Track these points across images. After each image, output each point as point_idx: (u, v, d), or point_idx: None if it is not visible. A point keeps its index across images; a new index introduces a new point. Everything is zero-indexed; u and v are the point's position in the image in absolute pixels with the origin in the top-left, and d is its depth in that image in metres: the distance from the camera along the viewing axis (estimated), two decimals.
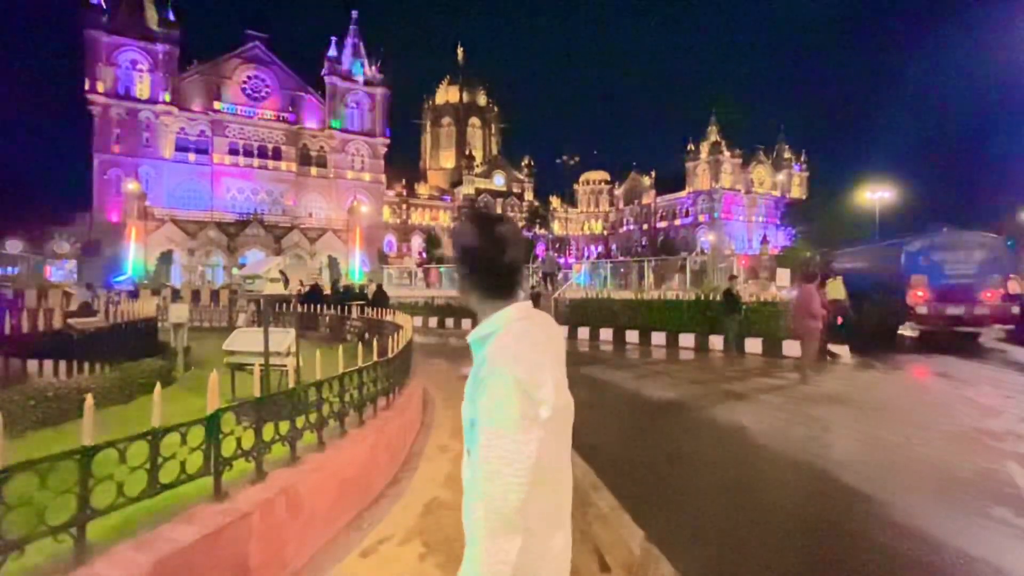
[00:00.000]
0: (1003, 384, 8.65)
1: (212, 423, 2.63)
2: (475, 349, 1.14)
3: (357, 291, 17.66)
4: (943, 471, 4.66)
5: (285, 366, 5.61)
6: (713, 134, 75.83)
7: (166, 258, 47.07)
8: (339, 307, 12.58)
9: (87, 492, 2.08)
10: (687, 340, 13.49)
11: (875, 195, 36.88)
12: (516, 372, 1.00)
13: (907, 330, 13.97)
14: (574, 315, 16.98)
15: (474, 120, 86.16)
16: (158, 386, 2.44)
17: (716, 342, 12.64)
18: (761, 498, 4.21)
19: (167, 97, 51.61)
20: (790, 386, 8.42)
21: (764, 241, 64.61)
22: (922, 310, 12.58)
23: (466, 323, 19.09)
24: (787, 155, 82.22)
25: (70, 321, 6.83)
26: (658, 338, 14.27)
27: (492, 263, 1.13)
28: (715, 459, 5.25)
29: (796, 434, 5.88)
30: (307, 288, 14.23)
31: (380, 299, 13.83)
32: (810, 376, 8.52)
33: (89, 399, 2.15)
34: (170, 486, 2.42)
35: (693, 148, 76.88)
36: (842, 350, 11.08)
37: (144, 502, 2.31)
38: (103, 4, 49.14)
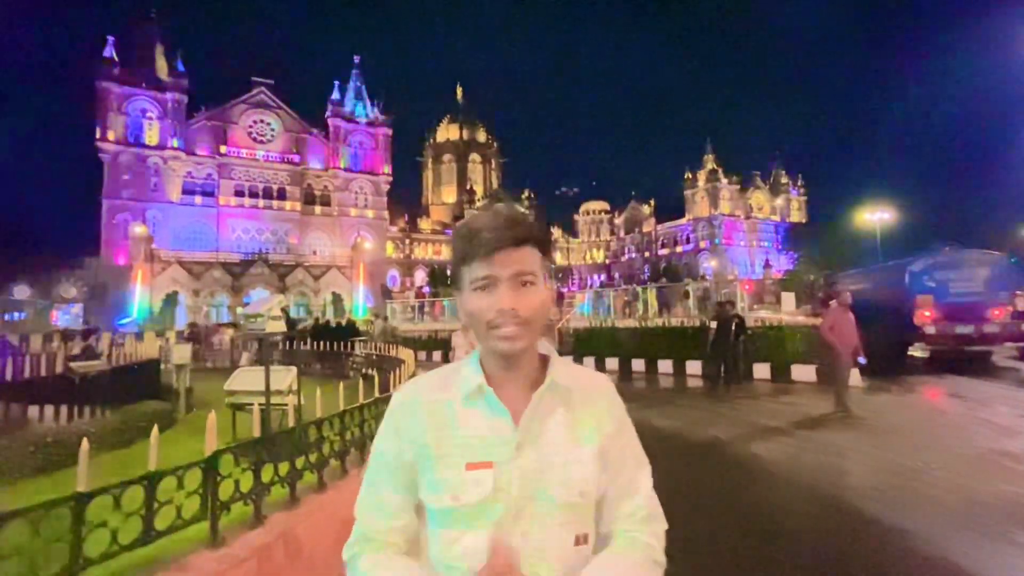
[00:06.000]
0: (1019, 404, 8.45)
1: (209, 466, 2.58)
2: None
3: (330, 325, 18.40)
4: (964, 496, 4.50)
5: (286, 405, 5.55)
6: (710, 162, 76.97)
7: (171, 299, 47.36)
8: (318, 343, 13.50)
9: (80, 541, 2.03)
10: (694, 367, 13.31)
11: (875, 216, 36.96)
12: None
13: (917, 351, 13.76)
14: (579, 345, 16.85)
15: (474, 156, 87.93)
16: (155, 429, 2.42)
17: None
18: (782, 531, 4.06)
19: (175, 143, 53.08)
20: (801, 412, 8.26)
21: (767, 265, 64.61)
22: (930, 330, 12.41)
23: None
24: (784, 180, 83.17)
25: (71, 364, 6.82)
26: (665, 366, 14.10)
27: None
28: (732, 491, 5.09)
29: (812, 462, 5.72)
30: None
31: (352, 332, 14.99)
32: (845, 403, 7.94)
33: (84, 443, 2.12)
34: (165, 532, 2.36)
35: (691, 176, 77.90)
36: (853, 373, 10.89)
37: (139, 550, 2.25)
38: (115, 56, 51.14)
